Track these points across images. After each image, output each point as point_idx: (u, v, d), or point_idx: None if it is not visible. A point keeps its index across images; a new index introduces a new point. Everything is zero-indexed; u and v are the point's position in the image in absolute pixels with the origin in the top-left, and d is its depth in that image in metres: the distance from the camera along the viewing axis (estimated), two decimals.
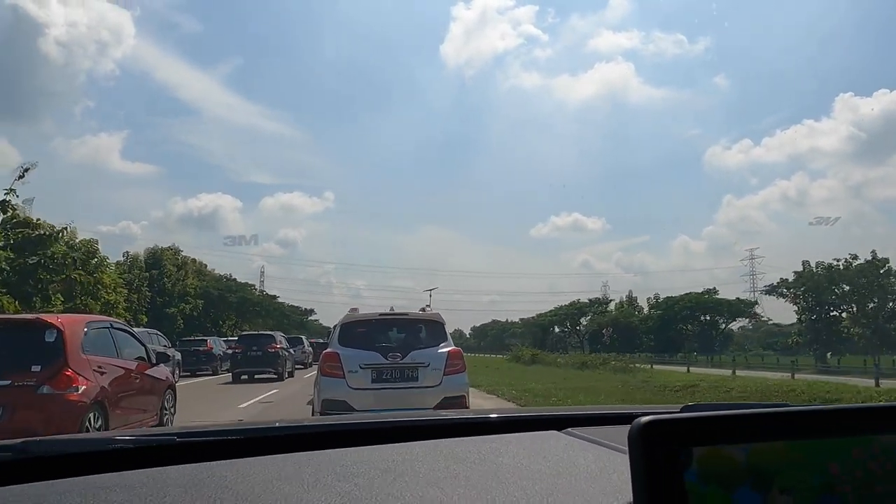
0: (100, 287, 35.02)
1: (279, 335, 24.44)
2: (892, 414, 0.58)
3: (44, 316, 7.45)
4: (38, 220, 20.22)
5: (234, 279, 57.41)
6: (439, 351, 7.55)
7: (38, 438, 1.10)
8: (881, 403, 0.61)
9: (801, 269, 39.63)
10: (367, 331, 7.85)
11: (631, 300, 69.13)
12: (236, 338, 29.27)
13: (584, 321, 79.53)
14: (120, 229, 77.47)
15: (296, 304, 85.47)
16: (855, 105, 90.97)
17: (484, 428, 1.38)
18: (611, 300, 77.53)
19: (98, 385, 6.74)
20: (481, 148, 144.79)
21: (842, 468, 0.55)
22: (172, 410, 9.11)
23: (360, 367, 7.25)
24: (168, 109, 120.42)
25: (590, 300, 79.41)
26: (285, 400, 14.87)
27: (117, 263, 45.64)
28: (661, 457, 0.52)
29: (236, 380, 20.93)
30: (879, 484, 0.55)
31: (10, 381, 6.25)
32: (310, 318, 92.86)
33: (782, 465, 0.54)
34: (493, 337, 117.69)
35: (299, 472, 0.99)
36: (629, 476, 0.53)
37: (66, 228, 20.71)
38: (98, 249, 36.06)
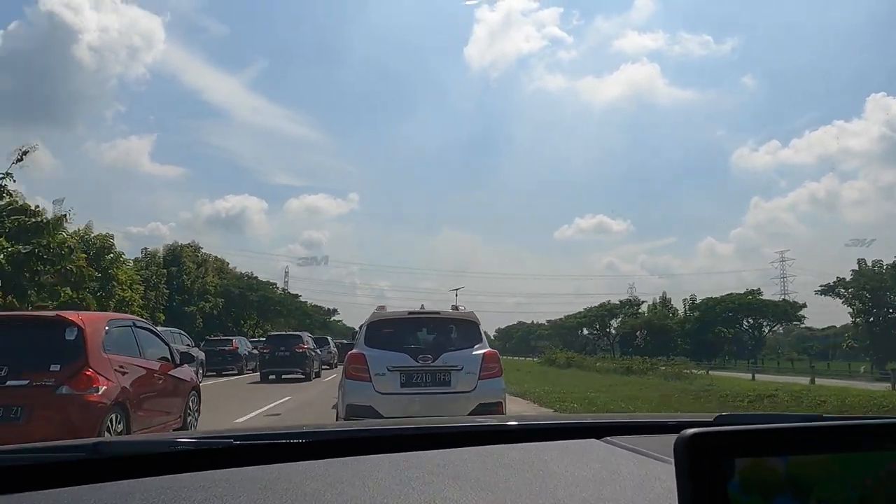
0: (114, 283, 33.77)
1: (307, 335, 24.37)
2: None
3: (64, 313, 7.10)
4: (36, 207, 18.74)
5: (256, 277, 56.04)
6: (474, 353, 7.01)
7: (109, 439, 1.11)
8: None
9: (857, 267, 36.55)
10: (395, 331, 7.35)
11: (665, 302, 66.30)
12: (262, 338, 29.21)
13: (614, 323, 76.95)
14: (149, 230, 78.86)
15: (319, 305, 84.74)
16: (887, 105, 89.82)
17: (523, 435, 1.39)
18: (642, 301, 74.81)
19: (119, 385, 6.54)
20: (506, 150, 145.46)
21: (876, 481, 0.57)
22: (197, 413, 8.79)
23: (388, 370, 6.75)
24: (196, 112, 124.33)
25: (620, 301, 76.78)
26: (302, 406, 13.59)
27: (135, 260, 44.55)
28: (705, 468, 0.54)
29: (264, 379, 20.66)
30: None
31: (28, 381, 6.06)
32: (333, 318, 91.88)
33: (820, 477, 0.56)
34: (518, 339, 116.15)
35: (356, 475, 1.03)
36: (671, 485, 0.56)
37: (65, 216, 19.17)
38: (113, 244, 34.79)
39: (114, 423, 6.28)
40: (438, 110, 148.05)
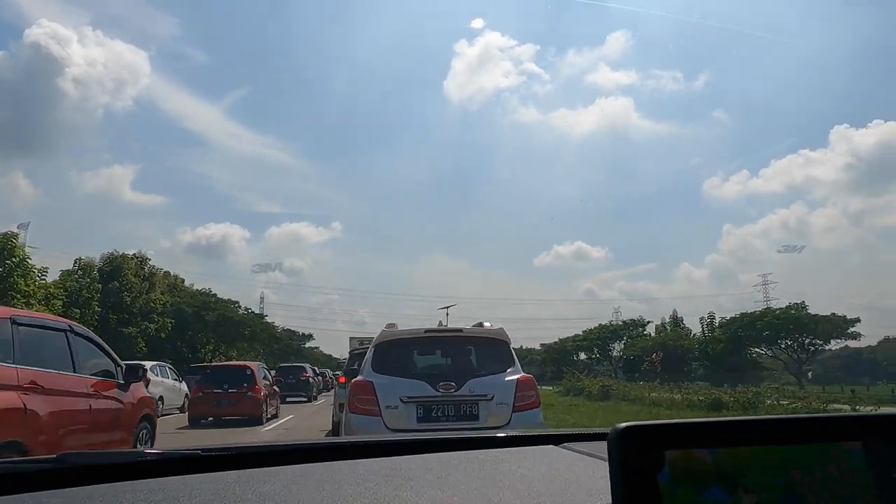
0: (14, 295, 26.33)
1: (308, 366, 30.81)
2: (848, 423, 0.64)
3: None
4: None
5: (214, 294, 48.41)
6: (506, 379, 5.82)
7: (75, 451, 1.18)
8: (838, 414, 0.66)
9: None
10: (409, 353, 6.22)
11: (676, 321, 59.81)
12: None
13: (617, 346, 70.40)
14: (149, 270, 72.71)
15: (293, 329, 77.02)
16: (850, 136, 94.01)
17: (482, 443, 1.44)
18: (648, 322, 68.42)
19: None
20: (485, 179, 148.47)
21: (804, 472, 0.60)
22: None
23: (402, 402, 5.62)
24: (177, 140, 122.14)
25: (624, 322, 70.26)
26: None
27: (66, 272, 37.01)
28: (636, 459, 0.57)
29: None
30: (837, 486, 0.61)
31: None
32: (308, 344, 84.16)
33: (747, 467, 0.59)
34: None
35: (315, 481, 1.07)
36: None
37: None
38: (16, 246, 27.39)
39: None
40: (419, 140, 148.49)
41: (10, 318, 5.33)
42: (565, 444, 1.36)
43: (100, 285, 35.23)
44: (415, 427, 5.55)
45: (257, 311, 55.97)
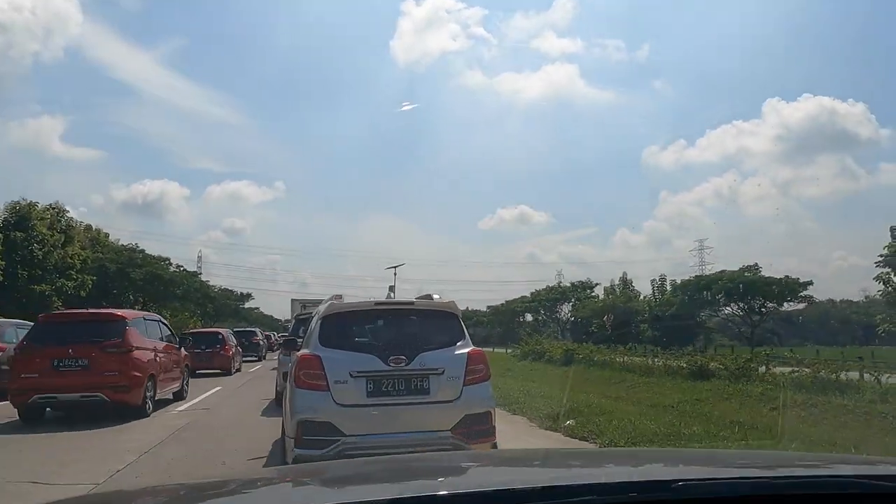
0: None
1: (258, 330, 34.20)
2: None
3: None
4: None
5: (142, 251, 44.56)
6: (457, 353, 5.78)
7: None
8: None
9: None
10: (358, 326, 6.08)
11: (626, 283, 59.50)
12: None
13: (564, 308, 70.01)
14: (66, 222, 66.38)
15: (229, 289, 73.33)
16: (780, 108, 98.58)
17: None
18: (596, 284, 68.09)
19: None
20: (431, 142, 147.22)
21: None
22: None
23: (351, 376, 5.49)
24: (110, 91, 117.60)
25: (572, 284, 69.74)
26: None
27: None
28: None
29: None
30: None
31: None
32: (247, 304, 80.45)
33: None
34: None
35: None
36: None
37: None
38: None
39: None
40: (364, 101, 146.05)
41: (143, 317, 12.35)
42: None
43: (0, 235, 31.08)
44: (365, 402, 5.45)
45: (199, 274, 52.64)
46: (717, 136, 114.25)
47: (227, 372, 20.50)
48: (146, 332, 11.30)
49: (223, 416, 11.13)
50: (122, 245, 45.19)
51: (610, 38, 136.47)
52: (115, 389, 9.85)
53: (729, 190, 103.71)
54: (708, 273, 48.25)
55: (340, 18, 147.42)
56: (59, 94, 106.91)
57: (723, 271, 44.65)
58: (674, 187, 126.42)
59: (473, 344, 6.02)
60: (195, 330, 26.38)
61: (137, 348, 10.47)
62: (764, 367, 14.46)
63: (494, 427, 5.76)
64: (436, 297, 6.51)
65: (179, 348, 13.00)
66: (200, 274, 49.23)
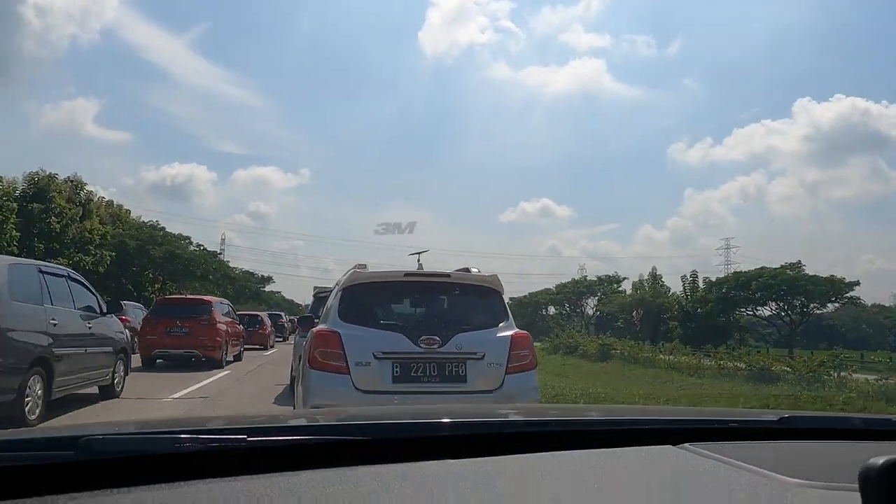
0: None
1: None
2: None
3: None
4: None
5: (163, 228, 43.78)
6: (499, 335, 5.01)
7: (100, 435, 0.95)
8: None
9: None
10: (384, 300, 5.34)
11: (655, 278, 57.44)
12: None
13: (590, 302, 68.25)
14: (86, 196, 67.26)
15: (251, 271, 72.80)
16: (811, 108, 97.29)
17: (576, 440, 1.13)
18: (624, 278, 66.13)
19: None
20: (456, 133, 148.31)
21: None
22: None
23: (376, 358, 4.72)
24: (141, 74, 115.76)
25: (598, 278, 67.89)
26: None
27: None
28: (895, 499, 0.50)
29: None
30: None
31: None
32: (268, 287, 79.96)
33: None
34: None
35: (379, 487, 0.87)
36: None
37: None
38: None
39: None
40: (391, 90, 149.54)
41: (220, 301, 16.14)
42: (686, 445, 1.09)
43: (15, 205, 30.31)
44: (390, 389, 4.75)
45: (219, 254, 51.90)
46: (744, 135, 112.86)
47: (264, 347, 24.28)
48: (223, 313, 15.75)
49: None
50: (143, 222, 44.47)
51: (639, 33, 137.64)
52: (205, 349, 14.53)
53: (755, 189, 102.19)
54: (741, 271, 46.39)
55: (370, 7, 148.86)
56: (94, 77, 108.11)
57: (763, 268, 42.35)
58: (699, 185, 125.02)
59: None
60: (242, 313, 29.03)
61: (219, 322, 14.97)
62: (836, 373, 12.78)
63: None
64: (474, 270, 5.62)
65: (240, 325, 17.60)
66: (220, 253, 48.26)
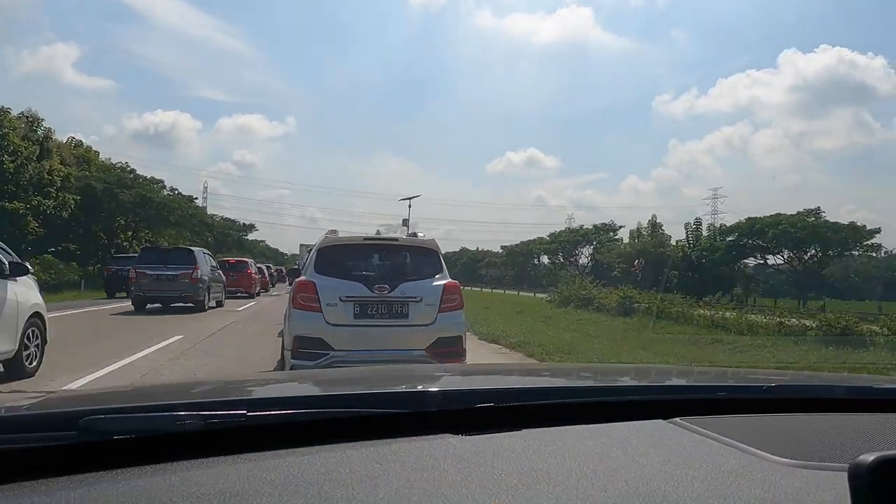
0: None
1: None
2: None
3: None
4: None
5: (133, 170, 40.51)
6: (434, 284, 6.54)
7: (102, 415, 0.92)
8: None
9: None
10: (348, 258, 6.79)
11: (655, 226, 55.16)
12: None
13: (585, 251, 66.23)
14: (44, 133, 61.56)
15: (231, 219, 69.67)
16: (796, 60, 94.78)
17: (563, 413, 1.11)
18: (621, 227, 63.98)
19: None
20: (444, 82, 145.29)
21: None
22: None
23: (341, 300, 6.27)
24: (122, 18, 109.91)
25: (594, 226, 65.67)
26: None
27: None
28: (889, 497, 0.50)
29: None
30: None
31: None
32: (251, 235, 76.80)
33: None
34: (463, 267, 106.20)
35: (373, 463, 0.86)
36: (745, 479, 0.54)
37: None
38: None
39: None
40: (378, 40, 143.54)
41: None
42: (676, 420, 1.09)
43: None
44: (351, 323, 6.22)
45: (202, 204, 48.66)
46: (729, 85, 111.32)
47: (251, 296, 26.20)
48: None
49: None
50: (112, 163, 41.07)
51: None
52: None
53: (740, 140, 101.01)
54: (754, 216, 43.89)
55: None
56: (74, 21, 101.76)
57: (779, 214, 40.12)
58: (683, 136, 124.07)
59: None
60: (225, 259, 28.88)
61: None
62: None
63: (465, 349, 6.55)
64: (420, 234, 7.33)
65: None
66: (195, 199, 44.99)
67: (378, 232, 8.31)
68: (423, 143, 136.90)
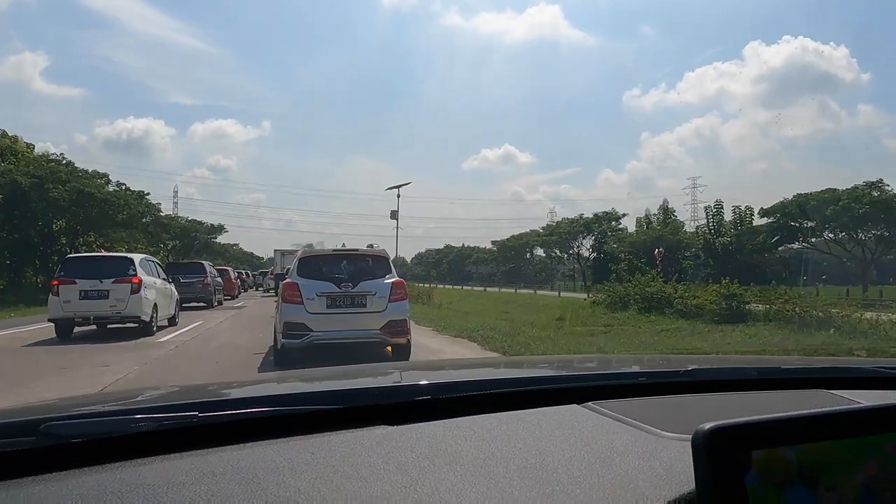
0: None
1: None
2: None
3: None
4: None
5: (69, 163, 34.28)
6: (385, 281, 8.84)
7: (60, 420, 0.98)
8: None
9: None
10: (322, 264, 9.09)
11: (667, 212, 50.12)
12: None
13: (586, 243, 61.05)
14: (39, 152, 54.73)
15: (198, 220, 63.30)
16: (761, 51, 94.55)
17: (487, 403, 1.18)
18: (624, 215, 58.90)
19: None
20: (417, 83, 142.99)
21: (878, 464, 0.58)
22: None
23: (317, 295, 8.55)
24: (91, 24, 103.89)
25: (595, 215, 60.51)
26: None
27: None
28: (724, 463, 0.55)
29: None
30: None
31: None
32: (222, 238, 70.20)
33: (828, 463, 0.57)
34: (450, 264, 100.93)
35: (307, 454, 0.92)
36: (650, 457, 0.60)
37: None
38: None
39: None
40: (350, 42, 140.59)
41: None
42: (589, 403, 1.16)
43: None
44: (325, 311, 8.51)
45: (172, 209, 42.51)
46: (696, 78, 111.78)
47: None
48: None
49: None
50: (43, 155, 34.77)
51: None
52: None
53: (710, 131, 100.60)
54: (802, 193, 38.98)
55: None
56: (41, 29, 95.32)
57: (833, 189, 35.17)
58: (655, 129, 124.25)
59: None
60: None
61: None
62: None
63: (409, 329, 8.92)
64: (375, 246, 10.19)
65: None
66: (148, 194, 38.72)
67: (343, 245, 10.87)
68: (398, 143, 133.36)
